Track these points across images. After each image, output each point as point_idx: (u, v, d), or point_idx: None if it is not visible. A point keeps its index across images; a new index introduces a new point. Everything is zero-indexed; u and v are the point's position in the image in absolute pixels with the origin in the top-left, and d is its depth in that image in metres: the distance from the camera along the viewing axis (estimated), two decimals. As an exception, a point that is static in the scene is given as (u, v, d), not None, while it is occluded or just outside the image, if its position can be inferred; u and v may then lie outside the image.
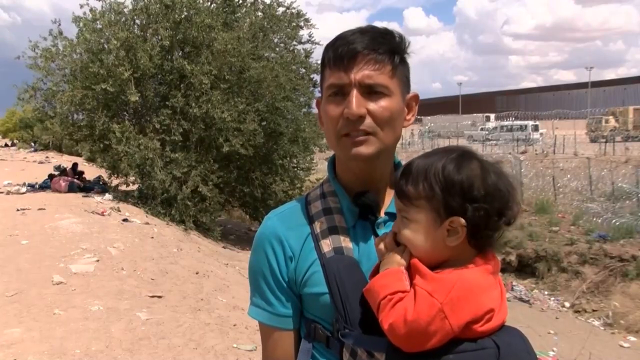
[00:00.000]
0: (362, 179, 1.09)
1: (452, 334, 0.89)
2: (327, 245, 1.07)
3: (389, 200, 1.11)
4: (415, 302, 0.89)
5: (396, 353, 0.93)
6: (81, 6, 12.31)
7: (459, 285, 0.89)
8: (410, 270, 0.95)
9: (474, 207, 0.91)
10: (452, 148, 0.99)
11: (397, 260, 0.96)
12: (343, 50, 1.02)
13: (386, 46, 1.03)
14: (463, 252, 0.94)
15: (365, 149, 1.03)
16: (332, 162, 1.16)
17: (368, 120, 1.02)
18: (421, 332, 0.88)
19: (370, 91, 1.02)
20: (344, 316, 1.01)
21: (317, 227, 1.09)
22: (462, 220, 0.92)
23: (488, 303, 0.91)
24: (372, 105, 1.02)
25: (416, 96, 1.12)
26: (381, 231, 1.08)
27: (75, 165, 15.60)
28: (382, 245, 1.00)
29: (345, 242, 1.07)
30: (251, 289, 1.17)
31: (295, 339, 1.13)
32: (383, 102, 1.02)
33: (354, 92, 1.01)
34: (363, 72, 1.01)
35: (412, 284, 0.93)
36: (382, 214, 1.10)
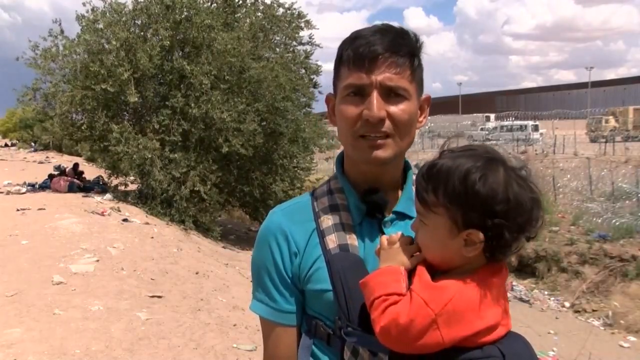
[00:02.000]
0: (371, 178, 1.09)
1: (442, 346, 0.87)
2: (332, 241, 1.06)
3: (397, 199, 1.11)
4: (410, 308, 0.88)
5: (400, 355, 0.92)
6: (84, 4, 12.32)
7: (457, 299, 0.87)
8: (413, 274, 0.94)
9: (494, 222, 0.87)
10: (478, 152, 0.93)
11: (401, 260, 0.95)
12: (364, 51, 1.01)
13: (406, 48, 1.03)
14: (476, 260, 0.92)
15: (383, 153, 1.02)
16: (341, 159, 1.16)
17: (387, 123, 1.01)
18: (411, 338, 0.87)
19: (390, 94, 1.01)
20: (346, 314, 1.00)
21: (323, 223, 1.09)
22: (481, 235, 0.88)
23: (486, 321, 0.89)
24: (392, 108, 1.01)
25: (428, 98, 1.12)
26: (388, 230, 1.07)
27: (76, 165, 15.59)
28: (385, 240, 0.99)
29: (351, 240, 1.06)
30: (254, 284, 1.16)
31: (297, 335, 1.12)
32: (402, 105, 1.02)
33: (375, 94, 1.00)
34: (384, 75, 1.00)
35: (410, 289, 0.91)
36: (389, 213, 1.10)
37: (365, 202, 1.08)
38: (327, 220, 1.09)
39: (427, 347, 0.88)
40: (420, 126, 1.11)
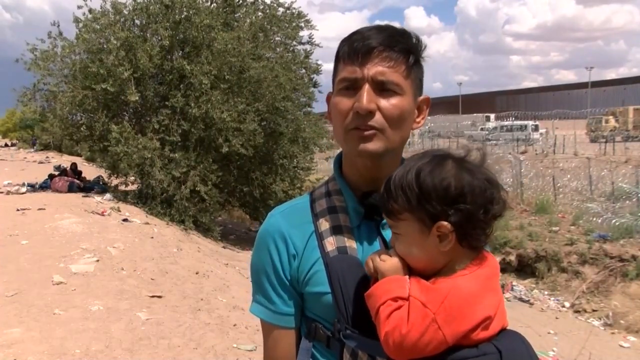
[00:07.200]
0: (368, 177, 1.08)
1: (445, 345, 0.88)
2: (330, 244, 1.05)
3: None
4: (409, 313, 0.88)
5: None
6: (79, 7, 12.33)
7: (452, 295, 0.88)
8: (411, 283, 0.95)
9: (455, 208, 0.90)
10: (426, 153, 0.98)
11: (402, 271, 0.95)
12: (358, 45, 1.02)
13: (402, 45, 1.03)
14: (459, 255, 0.93)
15: (372, 145, 1.02)
16: (339, 160, 1.15)
17: (377, 117, 1.01)
18: (414, 343, 0.87)
19: (383, 88, 1.01)
20: (345, 317, 1.00)
21: (321, 225, 1.08)
22: (448, 225, 0.90)
23: (483, 311, 0.89)
24: (383, 102, 1.01)
25: (427, 99, 1.12)
26: (386, 232, 1.06)
27: (74, 165, 15.55)
28: (372, 262, 0.98)
29: (350, 242, 1.06)
30: (253, 286, 1.16)
31: (296, 338, 1.12)
32: (394, 100, 1.02)
33: (366, 87, 1.01)
34: (377, 68, 1.01)
35: (409, 294, 0.92)
36: None
37: (363, 204, 1.08)
38: (326, 223, 1.08)
39: (431, 349, 0.88)
40: (418, 127, 1.11)
